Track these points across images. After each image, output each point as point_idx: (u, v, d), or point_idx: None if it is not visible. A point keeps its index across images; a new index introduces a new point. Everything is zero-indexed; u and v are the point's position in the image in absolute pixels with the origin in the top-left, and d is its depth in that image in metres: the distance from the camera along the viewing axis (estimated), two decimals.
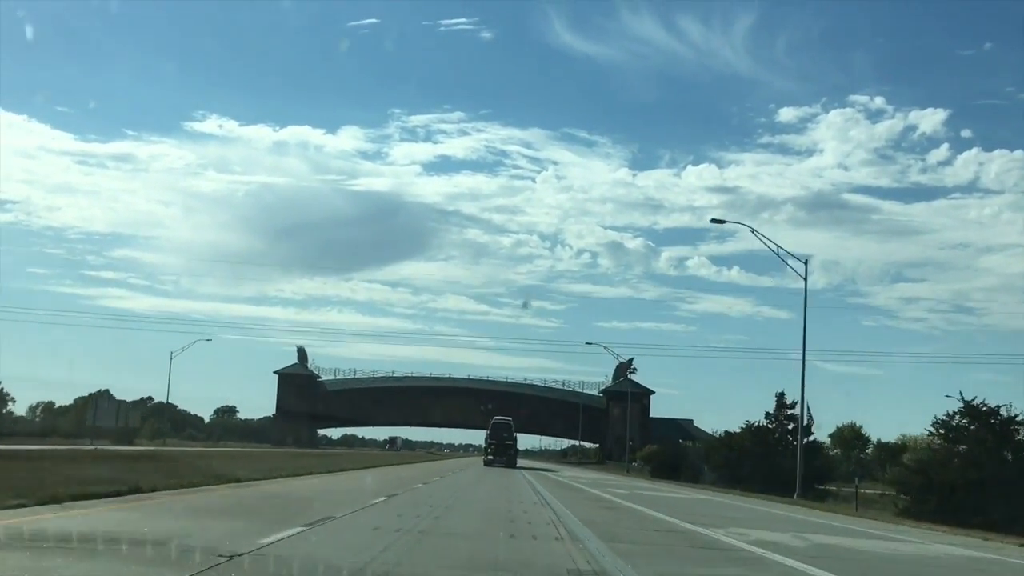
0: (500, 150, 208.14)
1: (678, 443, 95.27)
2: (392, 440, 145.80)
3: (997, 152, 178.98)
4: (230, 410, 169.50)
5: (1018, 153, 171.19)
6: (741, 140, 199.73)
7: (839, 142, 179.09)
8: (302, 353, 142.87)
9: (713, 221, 51.72)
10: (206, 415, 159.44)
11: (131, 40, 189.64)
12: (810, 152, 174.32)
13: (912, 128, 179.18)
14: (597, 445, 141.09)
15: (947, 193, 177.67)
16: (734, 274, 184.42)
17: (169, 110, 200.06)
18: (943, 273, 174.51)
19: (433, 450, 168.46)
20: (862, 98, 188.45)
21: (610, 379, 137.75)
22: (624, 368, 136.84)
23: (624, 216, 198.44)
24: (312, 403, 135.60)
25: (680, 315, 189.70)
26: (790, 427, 55.30)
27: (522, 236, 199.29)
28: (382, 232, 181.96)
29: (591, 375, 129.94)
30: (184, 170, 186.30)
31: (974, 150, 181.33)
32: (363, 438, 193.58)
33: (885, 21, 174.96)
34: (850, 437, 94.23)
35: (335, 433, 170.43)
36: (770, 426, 57.97)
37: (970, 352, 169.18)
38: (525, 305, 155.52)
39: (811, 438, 52.66)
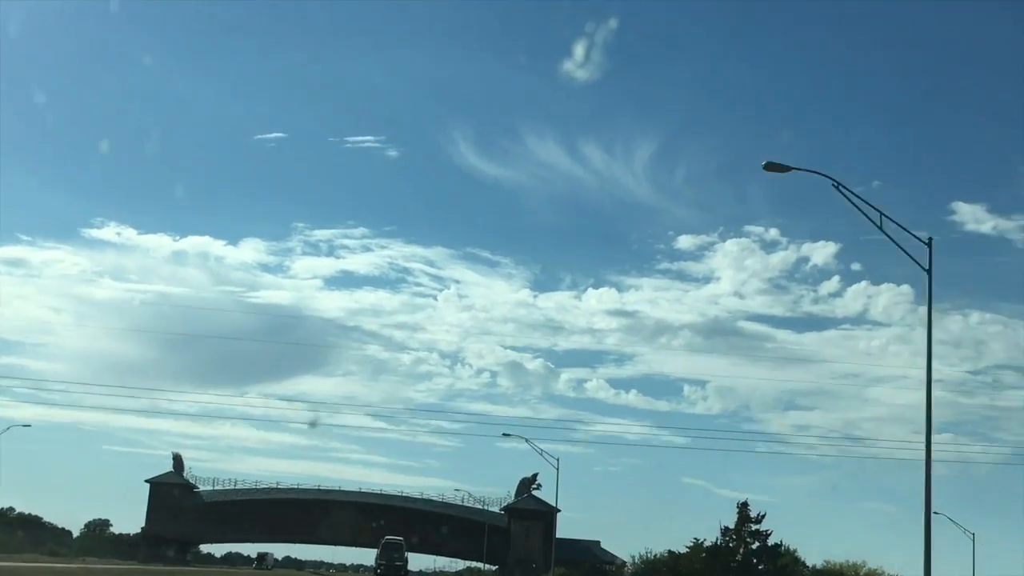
0: (403, 267, 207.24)
1: (593, 567, 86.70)
2: (262, 557, 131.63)
3: (884, 286, 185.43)
4: (103, 523, 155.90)
5: (904, 287, 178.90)
6: (641, 265, 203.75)
7: (735, 271, 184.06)
8: (178, 461, 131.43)
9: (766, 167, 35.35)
10: (77, 529, 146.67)
11: (30, 144, 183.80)
12: (707, 279, 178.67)
13: (805, 260, 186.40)
14: (496, 567, 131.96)
15: (837, 324, 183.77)
16: (632, 397, 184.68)
17: (66, 216, 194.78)
18: (833, 402, 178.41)
19: (321, 570, 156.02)
20: (757, 229, 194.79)
21: (513, 495, 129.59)
22: (528, 484, 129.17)
23: (525, 336, 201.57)
24: (187, 515, 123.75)
25: (578, 436, 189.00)
26: (755, 546, 48.82)
27: (422, 354, 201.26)
28: (280, 346, 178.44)
29: (493, 492, 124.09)
30: (79, 277, 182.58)
31: (863, 283, 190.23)
32: (248, 556, 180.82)
33: (778, 155, 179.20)
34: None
35: (218, 549, 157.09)
36: (730, 545, 51.02)
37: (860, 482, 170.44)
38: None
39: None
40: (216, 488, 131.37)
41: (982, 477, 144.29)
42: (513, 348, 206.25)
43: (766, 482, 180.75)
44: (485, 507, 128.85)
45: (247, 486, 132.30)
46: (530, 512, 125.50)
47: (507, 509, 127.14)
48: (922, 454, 32.85)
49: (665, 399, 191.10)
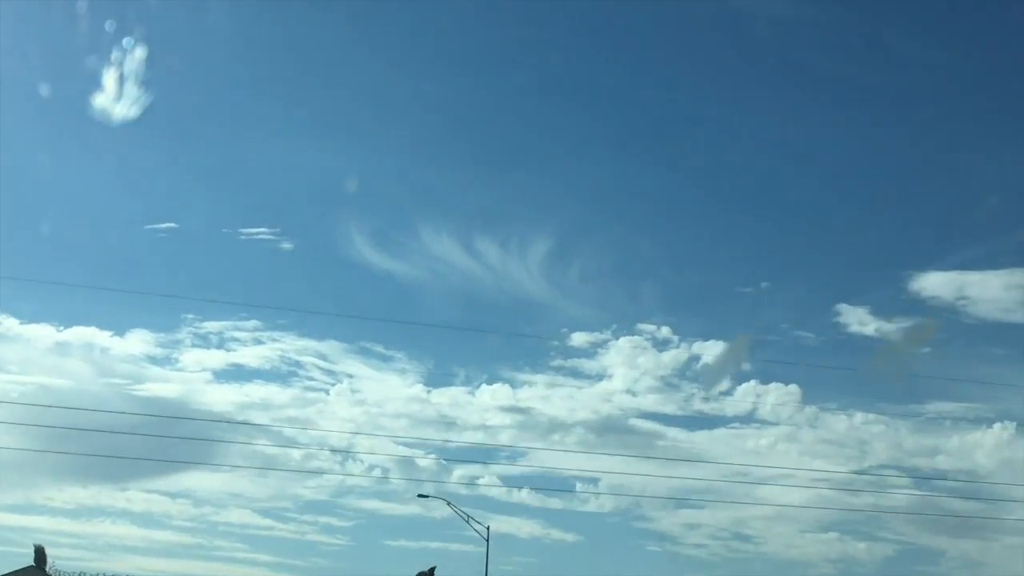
0: (295, 360, 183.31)
1: None
2: None
3: (773, 385, 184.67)
4: None
5: (792, 387, 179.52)
6: (534, 362, 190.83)
7: (628, 368, 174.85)
8: (40, 554, 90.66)
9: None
10: None
11: None
12: (600, 376, 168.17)
13: (696, 358, 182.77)
14: None
15: (728, 422, 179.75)
16: (524, 495, 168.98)
17: None
18: (724, 499, 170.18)
19: None
20: (649, 327, 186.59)
21: None
22: None
23: (418, 431, 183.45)
24: None
25: (470, 535, 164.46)
26: None
27: (312, 449, 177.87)
28: (165, 441, 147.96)
29: None
30: None
31: (752, 382, 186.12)
32: None
33: (671, 255, 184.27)
34: None
35: None
36: None
37: None
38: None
39: None
40: None
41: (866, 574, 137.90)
42: (405, 443, 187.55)
43: None
44: None
45: None
46: None
47: None
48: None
49: (558, 496, 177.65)
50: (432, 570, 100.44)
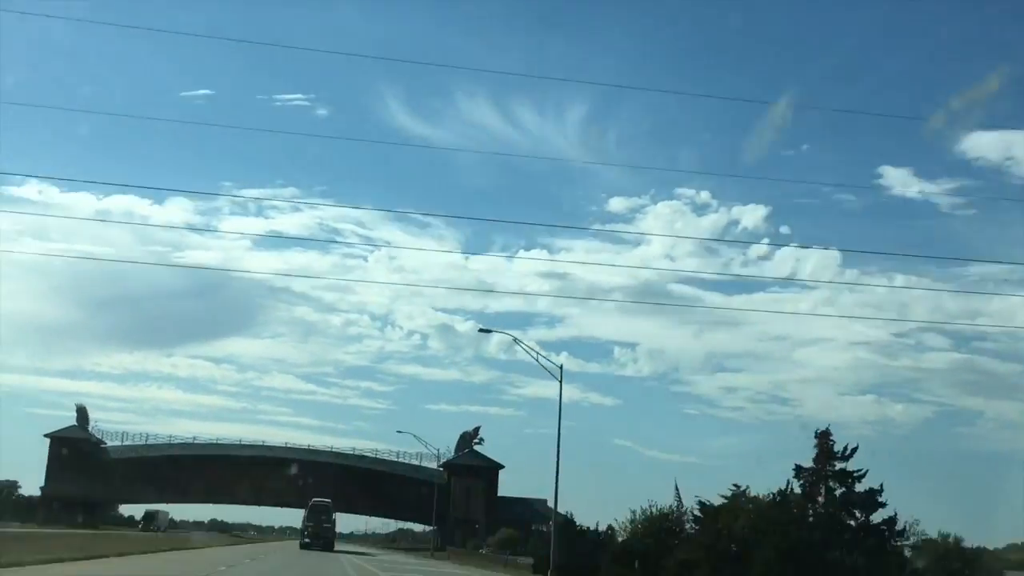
0: (333, 228, 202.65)
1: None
2: (151, 516, 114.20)
3: (813, 249, 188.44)
4: (11, 486, 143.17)
5: (832, 251, 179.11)
6: (572, 228, 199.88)
7: (666, 233, 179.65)
8: (82, 413, 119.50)
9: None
10: None
11: None
12: (638, 242, 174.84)
13: (735, 223, 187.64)
14: (434, 527, 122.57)
15: (767, 287, 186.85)
16: (562, 359, 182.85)
17: None
18: (762, 363, 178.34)
19: (236, 532, 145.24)
20: (688, 191, 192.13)
21: (453, 450, 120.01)
22: (469, 439, 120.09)
23: (456, 299, 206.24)
24: (92, 474, 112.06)
25: (508, 399, 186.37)
26: (839, 491, 37.89)
27: (352, 315, 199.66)
28: (208, 307, 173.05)
29: (428, 451, 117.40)
30: None
31: (792, 246, 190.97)
32: (173, 519, 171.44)
33: (710, 119, 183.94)
34: None
35: (137, 511, 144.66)
36: (806, 488, 39.14)
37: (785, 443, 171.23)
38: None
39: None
40: (126, 444, 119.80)
41: (904, 437, 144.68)
42: (444, 310, 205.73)
43: (694, 444, 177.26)
44: (422, 464, 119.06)
45: (161, 441, 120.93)
46: (471, 468, 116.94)
47: (446, 465, 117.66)
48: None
49: (596, 361, 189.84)
50: (477, 430, 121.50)
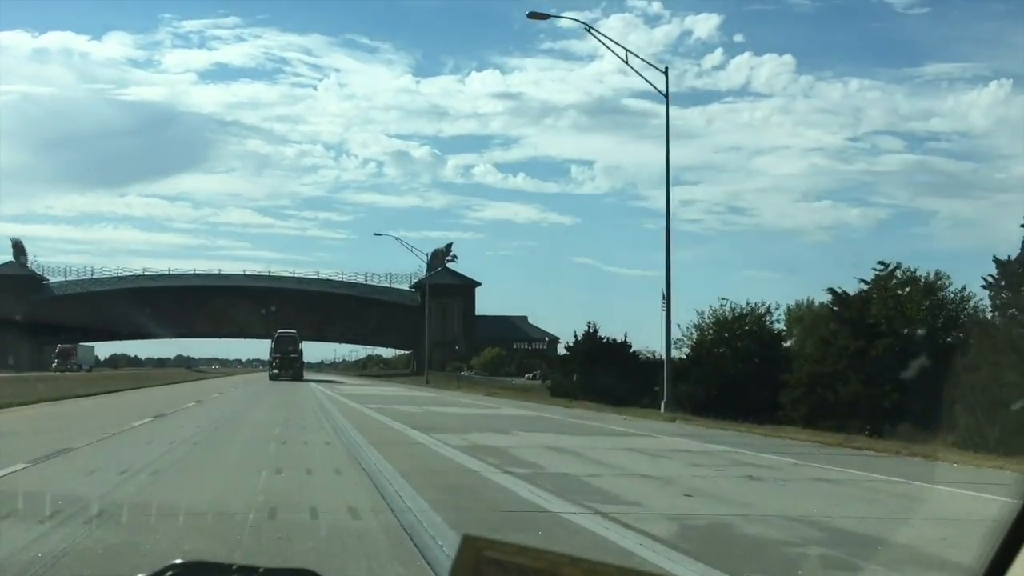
0: (279, 57, 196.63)
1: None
2: (65, 354, 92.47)
3: (767, 56, 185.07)
4: None
5: (787, 57, 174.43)
6: (524, 46, 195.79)
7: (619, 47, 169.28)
8: (18, 247, 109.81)
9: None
10: None
11: None
12: (591, 58, 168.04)
13: (688, 33, 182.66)
14: (409, 352, 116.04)
15: (721, 97, 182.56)
16: (520, 181, 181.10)
17: None
18: (718, 175, 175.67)
19: (200, 368, 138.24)
20: (640, 3, 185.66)
21: (424, 271, 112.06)
22: (441, 256, 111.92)
23: (409, 124, 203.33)
24: (32, 312, 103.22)
25: (468, 223, 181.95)
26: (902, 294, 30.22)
27: (305, 146, 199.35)
28: (157, 144, 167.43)
29: (398, 273, 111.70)
30: None
31: (746, 55, 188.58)
32: (138, 357, 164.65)
33: None
34: None
35: (102, 349, 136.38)
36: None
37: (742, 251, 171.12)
38: None
39: None
40: (69, 279, 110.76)
41: (861, 240, 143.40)
42: (398, 136, 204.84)
43: (652, 258, 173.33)
44: (392, 285, 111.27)
45: (107, 275, 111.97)
46: (446, 287, 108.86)
47: (418, 286, 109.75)
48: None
49: (553, 180, 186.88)
50: (449, 247, 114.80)
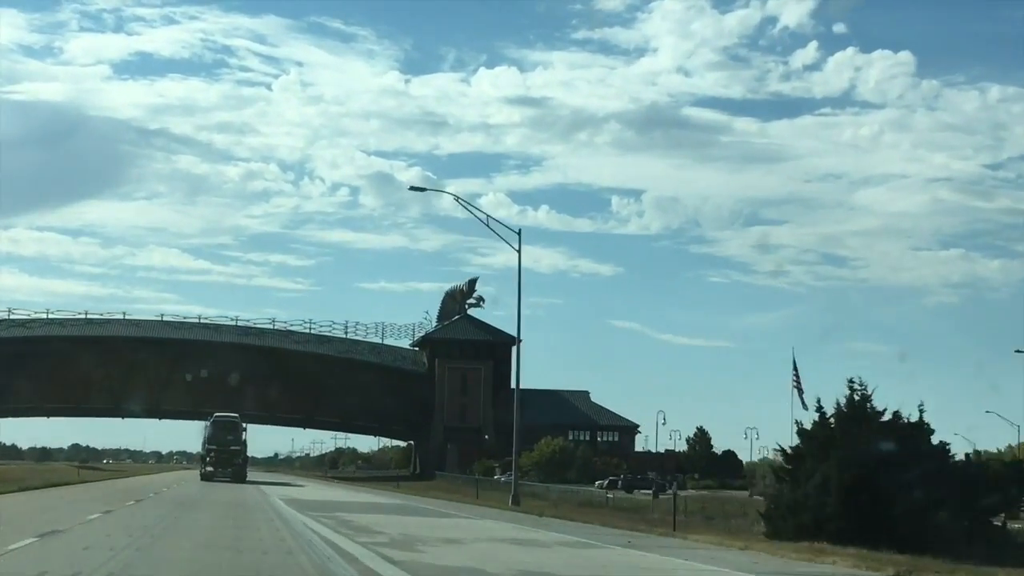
0: (222, 45, 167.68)
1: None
2: None
3: (877, 54, 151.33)
4: None
5: (903, 55, 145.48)
6: (550, 35, 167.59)
7: (678, 38, 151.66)
8: None
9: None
10: None
11: None
12: (641, 52, 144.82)
13: (772, 20, 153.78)
14: (410, 443, 79.21)
15: (815, 107, 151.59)
16: (542, 216, 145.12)
17: None
18: (810, 212, 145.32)
19: (102, 462, 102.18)
20: None
21: (434, 319, 75.92)
22: (459, 297, 75.76)
23: (395, 137, 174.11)
24: None
25: (471, 271, 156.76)
26: None
27: (255, 165, 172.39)
28: (56, 159, 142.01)
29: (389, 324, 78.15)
30: None
31: (849, 50, 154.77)
32: (16, 446, 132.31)
33: None
34: None
35: None
36: None
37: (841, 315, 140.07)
38: None
39: None
40: None
41: (1003, 302, 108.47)
42: (379, 154, 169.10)
43: (721, 322, 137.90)
44: (385, 341, 74.71)
45: None
46: (467, 346, 72.43)
47: (425, 341, 73.46)
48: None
49: (587, 216, 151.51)
50: (473, 283, 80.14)
